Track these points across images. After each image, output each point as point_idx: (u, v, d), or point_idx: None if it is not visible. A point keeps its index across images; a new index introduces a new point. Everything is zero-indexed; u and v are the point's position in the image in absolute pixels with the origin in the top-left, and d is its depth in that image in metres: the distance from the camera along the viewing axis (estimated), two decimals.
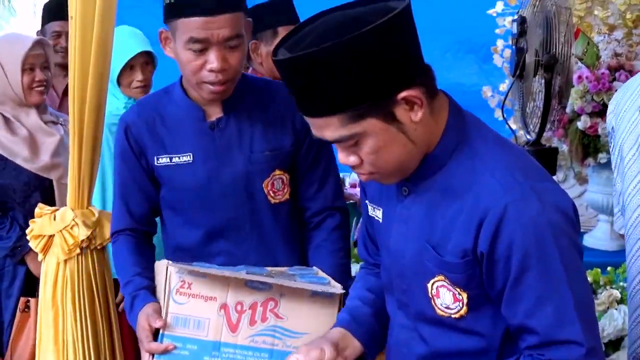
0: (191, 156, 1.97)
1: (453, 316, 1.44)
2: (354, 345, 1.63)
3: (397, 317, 1.58)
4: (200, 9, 1.81)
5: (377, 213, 1.57)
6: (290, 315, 1.81)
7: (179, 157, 1.98)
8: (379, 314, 1.67)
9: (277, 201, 2.05)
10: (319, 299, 1.82)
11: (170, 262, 1.78)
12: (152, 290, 1.89)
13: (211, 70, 1.85)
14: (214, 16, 1.82)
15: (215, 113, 1.98)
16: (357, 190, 3.00)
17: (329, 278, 1.88)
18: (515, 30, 2.55)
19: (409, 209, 1.47)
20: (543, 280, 1.33)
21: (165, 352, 1.75)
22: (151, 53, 2.91)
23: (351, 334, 1.64)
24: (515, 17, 2.59)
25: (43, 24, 3.67)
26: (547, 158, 2.60)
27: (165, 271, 1.76)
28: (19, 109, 2.85)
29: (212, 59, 1.84)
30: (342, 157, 1.40)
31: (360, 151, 1.37)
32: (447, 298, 1.43)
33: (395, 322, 1.59)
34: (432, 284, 1.44)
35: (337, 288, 1.81)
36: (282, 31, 2.89)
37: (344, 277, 1.97)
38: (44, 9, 3.72)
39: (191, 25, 1.82)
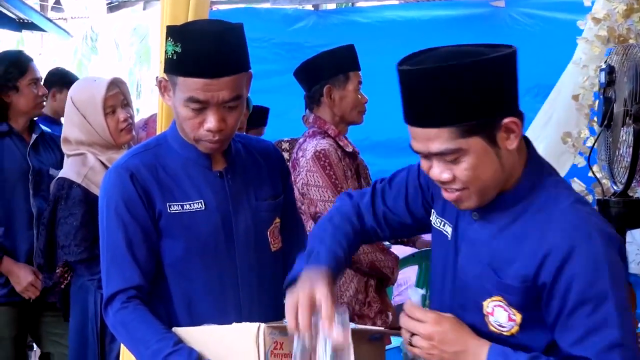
0: (202, 203, 1.91)
1: (504, 334, 1.54)
2: None
3: None
4: (202, 71, 1.79)
5: (446, 229, 1.67)
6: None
7: (189, 205, 1.90)
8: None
9: (275, 249, 2.03)
10: (372, 344, 1.90)
11: (261, 324, 1.72)
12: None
13: (209, 130, 1.83)
14: (215, 79, 1.79)
15: (219, 162, 1.96)
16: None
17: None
18: (603, 79, 2.51)
19: (477, 233, 1.58)
20: (596, 314, 1.44)
21: None
22: None
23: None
24: (603, 66, 2.55)
25: None
26: (636, 209, 2.54)
27: (257, 332, 1.70)
28: (109, 152, 2.89)
29: (211, 120, 1.82)
30: (437, 173, 1.50)
31: (456, 168, 1.47)
32: (501, 317, 1.53)
33: None
34: (488, 303, 1.54)
35: (381, 329, 1.98)
36: (353, 76, 2.97)
37: None
38: None
39: (192, 86, 1.79)
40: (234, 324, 1.78)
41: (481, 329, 1.55)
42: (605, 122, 2.51)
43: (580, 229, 1.47)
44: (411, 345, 1.56)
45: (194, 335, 1.81)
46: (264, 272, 2.00)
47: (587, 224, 1.48)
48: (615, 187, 2.59)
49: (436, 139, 1.45)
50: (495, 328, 1.54)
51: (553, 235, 1.47)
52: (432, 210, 1.74)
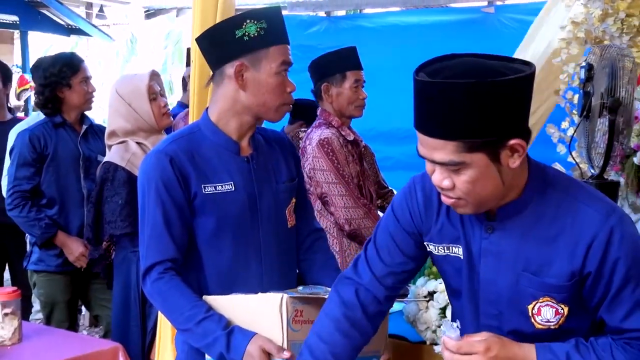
0: (233, 185, 1.91)
1: (552, 327, 1.45)
2: None
3: None
4: (286, 38, 1.90)
5: (456, 251, 1.53)
6: None
7: (222, 186, 1.89)
8: None
9: (291, 225, 2.03)
10: None
11: (284, 294, 1.72)
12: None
13: (291, 91, 1.89)
14: (289, 46, 1.91)
15: (246, 148, 1.96)
16: None
17: None
18: (582, 75, 2.49)
19: (497, 245, 1.46)
20: (639, 288, 1.39)
21: None
22: None
23: None
24: (583, 64, 2.53)
25: (187, 66, 3.95)
26: (610, 190, 2.52)
27: (280, 302, 1.70)
28: (152, 137, 2.90)
29: (290, 83, 1.90)
30: (438, 179, 1.40)
31: (457, 178, 1.37)
32: (548, 314, 1.44)
33: None
34: (535, 305, 1.45)
35: None
36: (350, 75, 2.97)
37: None
38: (188, 55, 3.92)
39: (283, 50, 1.87)
40: (259, 293, 1.78)
41: (527, 330, 1.47)
42: (584, 113, 2.49)
43: (610, 214, 1.39)
44: None
45: (222, 303, 1.80)
46: (282, 246, 2.00)
47: (611, 207, 1.42)
48: (592, 171, 2.57)
49: (441, 149, 1.35)
50: (543, 325, 1.46)
51: (589, 225, 1.39)
52: (427, 244, 1.59)
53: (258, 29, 1.83)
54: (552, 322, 1.45)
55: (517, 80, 1.31)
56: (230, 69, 1.86)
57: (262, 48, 1.85)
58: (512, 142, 1.34)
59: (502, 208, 1.44)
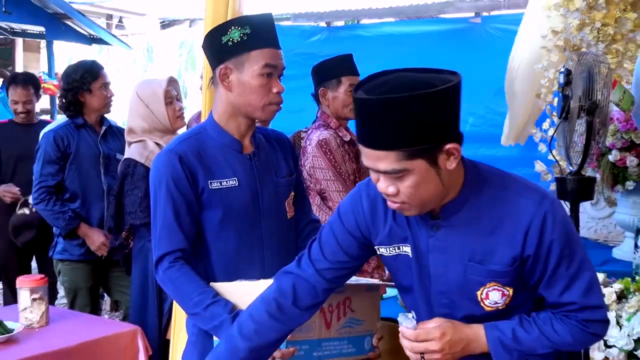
0: (236, 180, 1.90)
1: (500, 307, 1.47)
2: None
3: None
4: (272, 43, 1.86)
5: (405, 250, 1.52)
6: (357, 308, 1.83)
7: (227, 181, 1.89)
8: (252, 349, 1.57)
9: (290, 216, 2.02)
10: (369, 293, 1.87)
11: None
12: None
13: (277, 92, 1.86)
14: (279, 50, 1.87)
15: (248, 147, 1.96)
16: None
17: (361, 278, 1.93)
18: (562, 80, 2.48)
19: (444, 241, 1.46)
20: (573, 265, 1.42)
21: (291, 355, 1.71)
22: None
23: None
24: (562, 69, 2.52)
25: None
26: (587, 185, 2.51)
27: None
28: (167, 137, 2.91)
29: (277, 85, 1.86)
30: (383, 187, 1.39)
31: (401, 184, 1.36)
32: (495, 297, 1.45)
33: None
34: (483, 291, 1.45)
35: (378, 282, 1.96)
36: (345, 80, 2.96)
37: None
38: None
39: (266, 54, 1.84)
40: (261, 280, 1.77)
41: (477, 313, 1.47)
42: (564, 115, 2.48)
43: (542, 201, 1.41)
44: None
45: (228, 289, 1.81)
46: (282, 235, 2.00)
47: (542, 195, 1.42)
48: (570, 168, 2.56)
49: (384, 159, 1.34)
50: (491, 307, 1.46)
51: (524, 213, 1.40)
52: (377, 247, 1.56)
53: (241, 35, 1.82)
54: (500, 303, 1.46)
55: (446, 90, 1.31)
56: (217, 72, 1.88)
57: (244, 52, 1.83)
58: (448, 146, 1.34)
59: (444, 207, 1.45)
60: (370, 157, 1.36)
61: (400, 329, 1.47)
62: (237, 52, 1.83)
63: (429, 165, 1.34)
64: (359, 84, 1.39)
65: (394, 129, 1.30)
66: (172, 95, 2.94)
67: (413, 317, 1.46)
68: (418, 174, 1.34)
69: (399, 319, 1.48)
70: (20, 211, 3.76)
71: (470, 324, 1.47)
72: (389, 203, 1.43)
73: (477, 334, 1.46)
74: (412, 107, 1.29)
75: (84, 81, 3.31)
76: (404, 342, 1.46)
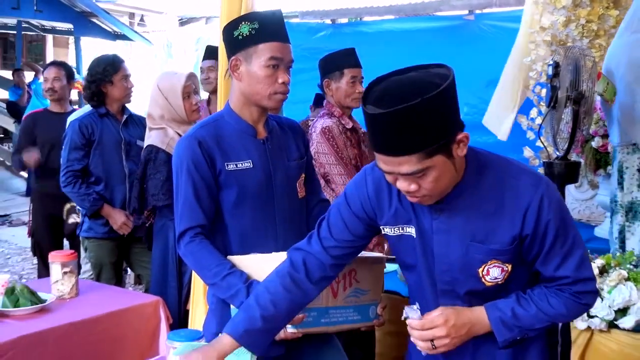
0: (251, 163, 1.90)
1: (499, 282, 1.45)
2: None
3: (441, 301, 1.50)
4: (279, 37, 1.84)
5: (409, 230, 1.49)
6: (362, 279, 1.82)
7: (242, 164, 1.88)
8: (268, 318, 1.55)
9: (301, 196, 2.02)
10: (374, 265, 1.86)
11: None
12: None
13: (283, 83, 1.84)
14: (286, 44, 1.85)
15: (261, 132, 1.95)
16: None
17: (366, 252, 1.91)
18: (550, 72, 2.46)
19: (447, 224, 1.44)
20: (567, 242, 1.41)
21: (301, 321, 1.72)
22: None
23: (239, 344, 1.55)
24: (551, 62, 2.50)
25: (203, 60, 3.90)
26: (573, 169, 2.50)
27: None
28: (183, 127, 2.90)
29: (283, 75, 1.84)
30: (404, 185, 1.35)
31: (422, 181, 1.33)
32: (496, 273, 1.44)
33: (437, 306, 1.48)
34: (484, 268, 1.43)
35: (381, 255, 1.96)
36: (347, 72, 2.93)
37: None
38: (205, 51, 3.85)
39: (272, 47, 1.82)
40: (274, 253, 1.78)
41: (479, 288, 1.45)
42: (552, 104, 2.46)
43: (538, 184, 1.39)
44: (435, 348, 1.42)
45: (244, 261, 1.81)
46: (294, 213, 1.99)
47: (538, 178, 1.41)
48: (557, 153, 2.54)
49: (406, 163, 1.30)
50: (492, 282, 1.44)
51: (522, 195, 1.38)
52: (383, 227, 1.53)
53: (250, 29, 1.82)
54: (499, 278, 1.44)
55: (448, 85, 1.28)
56: (230, 63, 1.89)
57: (252, 45, 1.83)
58: (460, 136, 1.32)
59: (451, 191, 1.42)
60: (391, 163, 1.32)
61: (407, 321, 1.45)
62: (246, 45, 1.83)
63: (446, 158, 1.32)
64: (363, 98, 1.33)
65: (412, 134, 1.27)
66: (190, 90, 2.92)
67: (417, 308, 1.44)
68: (438, 169, 1.32)
69: (404, 311, 1.45)
70: (71, 220, 3.80)
71: (471, 307, 1.45)
72: (409, 198, 1.40)
73: (479, 317, 1.44)
74: (424, 110, 1.25)
75: (106, 73, 3.30)
76: (413, 333, 1.44)
